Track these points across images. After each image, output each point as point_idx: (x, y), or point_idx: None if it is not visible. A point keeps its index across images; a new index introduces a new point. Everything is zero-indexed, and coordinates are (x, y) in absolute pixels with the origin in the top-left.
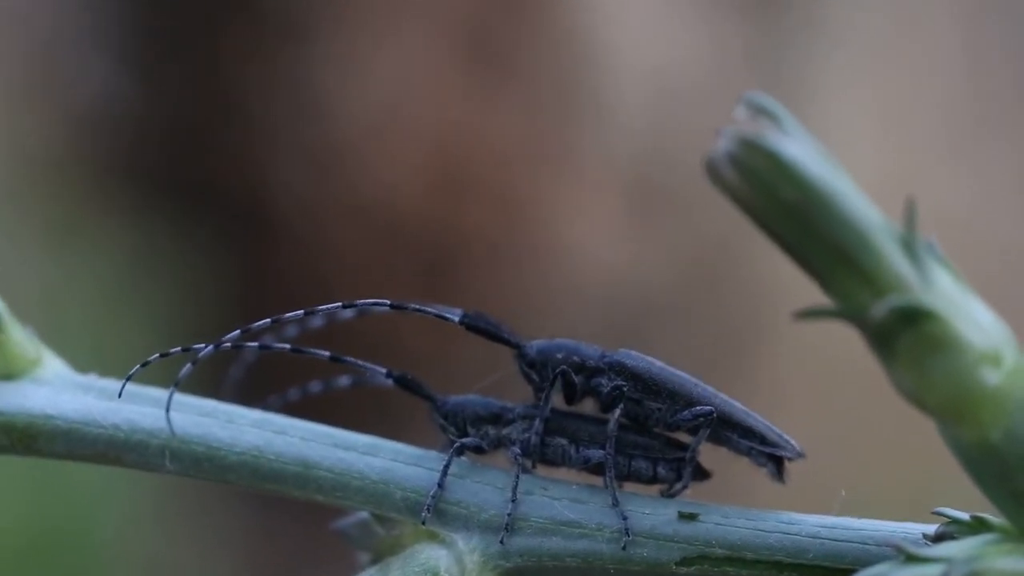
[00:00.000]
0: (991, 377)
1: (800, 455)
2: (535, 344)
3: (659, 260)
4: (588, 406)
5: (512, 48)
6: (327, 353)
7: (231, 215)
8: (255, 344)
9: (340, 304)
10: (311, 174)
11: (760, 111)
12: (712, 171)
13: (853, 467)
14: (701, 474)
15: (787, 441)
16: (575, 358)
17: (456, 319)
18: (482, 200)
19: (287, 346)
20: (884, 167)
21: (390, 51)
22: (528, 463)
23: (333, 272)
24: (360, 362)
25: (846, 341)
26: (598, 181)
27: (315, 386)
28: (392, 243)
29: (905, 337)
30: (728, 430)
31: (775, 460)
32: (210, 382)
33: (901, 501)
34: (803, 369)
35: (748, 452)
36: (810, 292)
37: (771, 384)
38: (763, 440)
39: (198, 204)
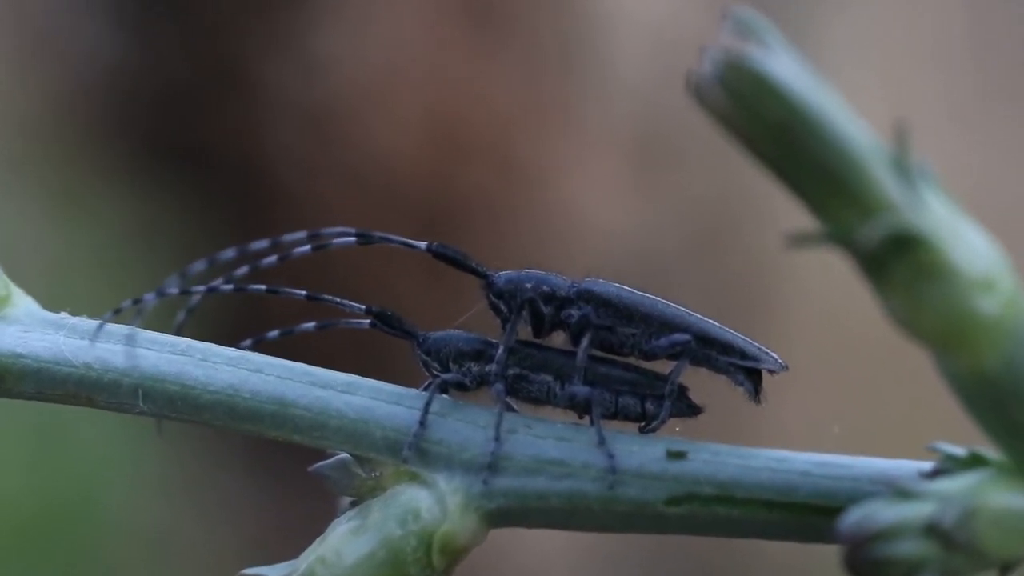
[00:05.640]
0: (985, 303)
1: (783, 368)
2: (503, 274)
3: (663, 220)
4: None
5: (510, 5)
6: (303, 292)
7: (228, 179)
8: (230, 287)
9: (305, 233)
10: (308, 137)
11: (744, 28)
12: (698, 93)
13: (859, 421)
14: (692, 409)
15: (767, 354)
16: (545, 288)
17: (423, 246)
18: (481, 161)
19: (263, 287)
20: (887, 133)
21: (386, 10)
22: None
23: None
24: (338, 299)
25: (855, 302)
26: (600, 140)
27: (305, 327)
28: (390, 206)
29: (895, 262)
30: (707, 348)
31: (753, 378)
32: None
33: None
34: (811, 332)
35: (727, 370)
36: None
37: (779, 345)
38: (743, 355)
39: (195, 168)
